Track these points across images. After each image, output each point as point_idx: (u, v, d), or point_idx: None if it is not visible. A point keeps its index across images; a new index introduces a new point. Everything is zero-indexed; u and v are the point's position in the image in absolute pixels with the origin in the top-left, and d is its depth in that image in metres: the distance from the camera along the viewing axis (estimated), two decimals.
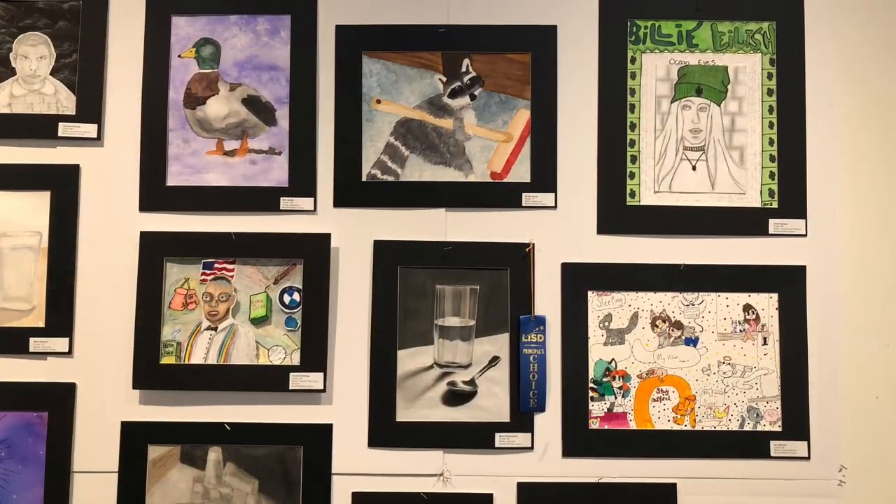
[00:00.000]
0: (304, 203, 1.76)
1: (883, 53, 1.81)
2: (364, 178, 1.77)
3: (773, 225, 1.77)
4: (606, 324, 1.77)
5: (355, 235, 1.76)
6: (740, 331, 1.78)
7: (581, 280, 1.76)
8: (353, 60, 1.78)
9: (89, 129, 1.75)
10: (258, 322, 1.74)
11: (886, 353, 1.79)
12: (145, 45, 1.78)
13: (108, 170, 1.77)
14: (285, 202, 1.76)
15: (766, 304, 1.77)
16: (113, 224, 1.76)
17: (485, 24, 1.79)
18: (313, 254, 1.74)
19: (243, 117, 1.77)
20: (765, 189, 1.78)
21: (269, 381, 1.72)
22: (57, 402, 1.72)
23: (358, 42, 1.78)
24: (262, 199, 1.76)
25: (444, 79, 1.78)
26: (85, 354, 1.74)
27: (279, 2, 1.78)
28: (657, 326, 1.77)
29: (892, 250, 1.80)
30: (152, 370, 1.72)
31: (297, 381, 1.72)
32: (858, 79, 1.81)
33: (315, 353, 1.73)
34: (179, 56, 1.78)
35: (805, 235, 1.78)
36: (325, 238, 1.74)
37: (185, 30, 1.78)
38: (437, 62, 1.78)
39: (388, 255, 1.75)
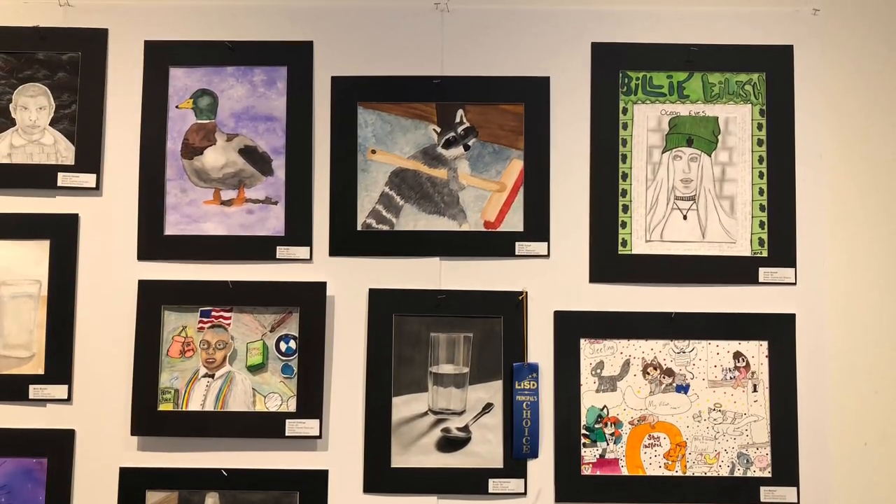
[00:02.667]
0: (301, 252, 1.78)
1: (871, 105, 1.84)
2: (359, 228, 1.79)
3: (763, 273, 1.80)
4: (598, 371, 1.79)
5: (351, 284, 1.79)
6: (731, 378, 1.80)
7: (573, 328, 1.79)
8: (349, 111, 1.80)
9: (88, 179, 1.78)
10: (255, 369, 1.77)
11: (875, 400, 1.81)
12: (143, 95, 1.81)
13: (107, 219, 1.80)
14: (282, 251, 1.78)
15: (756, 351, 1.80)
16: (112, 272, 1.78)
17: (478, 76, 1.81)
18: (309, 302, 1.76)
19: (240, 167, 1.80)
20: (755, 238, 1.81)
21: (265, 427, 1.75)
22: (56, 448, 1.75)
23: (353, 93, 1.81)
24: (258, 248, 1.79)
25: (439, 129, 1.81)
26: (84, 401, 1.77)
27: (275, 53, 1.81)
28: (648, 374, 1.80)
29: (880, 299, 1.83)
30: (150, 417, 1.75)
31: (293, 427, 1.74)
32: (847, 129, 1.83)
33: (311, 400, 1.75)
34: (177, 107, 1.80)
35: (794, 284, 1.80)
36: (320, 286, 1.77)
37: (182, 81, 1.81)
38: (431, 113, 1.81)
39: (382, 304, 1.78)
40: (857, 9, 1.83)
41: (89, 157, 1.79)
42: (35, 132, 1.80)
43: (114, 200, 1.80)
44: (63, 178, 1.78)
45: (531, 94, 1.81)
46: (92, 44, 1.80)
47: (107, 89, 1.81)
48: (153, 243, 1.79)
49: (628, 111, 1.82)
